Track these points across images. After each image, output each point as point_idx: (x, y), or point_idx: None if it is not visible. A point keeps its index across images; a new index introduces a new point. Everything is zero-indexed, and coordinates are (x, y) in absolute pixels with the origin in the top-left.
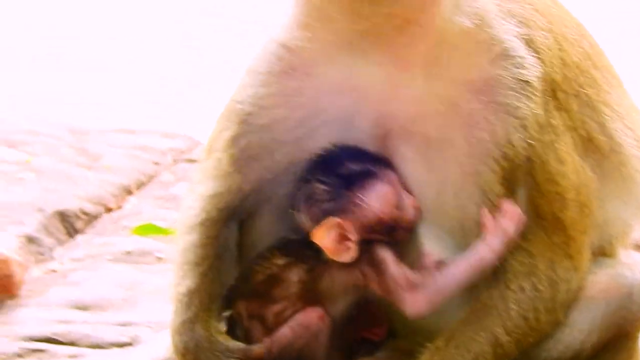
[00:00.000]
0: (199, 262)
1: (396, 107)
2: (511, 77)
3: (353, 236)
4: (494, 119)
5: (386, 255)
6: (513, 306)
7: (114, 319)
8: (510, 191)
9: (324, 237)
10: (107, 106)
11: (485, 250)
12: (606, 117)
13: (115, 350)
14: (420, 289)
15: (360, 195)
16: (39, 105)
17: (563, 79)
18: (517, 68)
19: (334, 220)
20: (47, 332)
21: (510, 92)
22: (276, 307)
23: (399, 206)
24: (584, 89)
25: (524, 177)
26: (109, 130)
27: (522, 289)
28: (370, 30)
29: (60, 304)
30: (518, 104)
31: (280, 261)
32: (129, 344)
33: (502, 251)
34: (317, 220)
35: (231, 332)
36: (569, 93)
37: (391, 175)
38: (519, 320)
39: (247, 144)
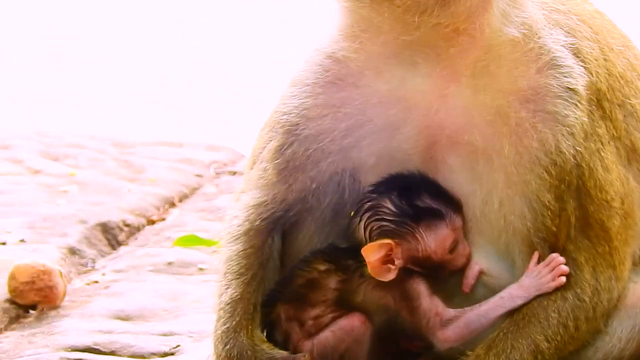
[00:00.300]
0: (242, 271)
1: (443, 118)
2: (559, 85)
3: (398, 262)
4: (543, 127)
5: (421, 289)
6: (553, 314)
7: (155, 329)
8: (559, 199)
9: (373, 253)
10: (151, 119)
11: (519, 292)
12: None
13: (157, 359)
14: (450, 325)
15: (422, 232)
16: (84, 119)
17: (608, 88)
18: (565, 77)
19: (388, 242)
20: (88, 342)
21: (558, 101)
22: (314, 312)
23: (452, 251)
24: (628, 99)
25: (573, 185)
26: (153, 143)
27: (565, 298)
28: (418, 40)
29: (102, 315)
30: (566, 112)
31: (322, 266)
32: (171, 354)
33: (533, 296)
34: (372, 234)
35: (270, 336)
36: (613, 103)
37: (457, 221)
38: (559, 328)
39: (292, 154)
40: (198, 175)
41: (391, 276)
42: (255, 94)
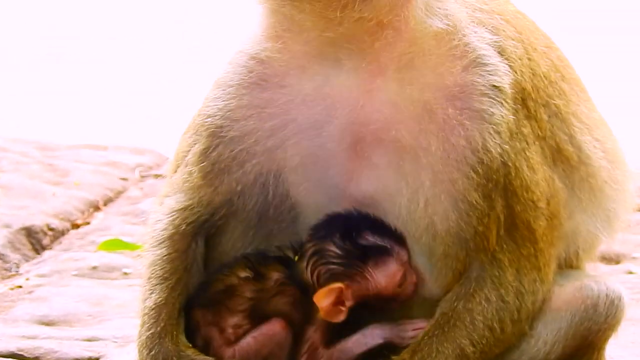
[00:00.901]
0: (167, 276)
1: (369, 113)
2: (485, 83)
3: (349, 302)
4: (470, 125)
5: (321, 320)
6: (479, 317)
7: (80, 334)
8: (487, 198)
9: (324, 298)
10: (75, 122)
11: (380, 332)
12: (575, 128)
13: None
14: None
15: (371, 271)
16: (7, 122)
17: (533, 88)
18: (491, 75)
19: (339, 285)
20: (12, 347)
21: (485, 99)
22: (233, 319)
23: (401, 284)
24: (553, 99)
25: (500, 184)
26: (77, 146)
27: (489, 300)
28: (342, 36)
29: (26, 320)
30: (492, 110)
31: (242, 273)
32: (95, 359)
33: (390, 339)
34: (319, 279)
35: (191, 341)
36: (538, 103)
37: (404, 254)
38: (485, 331)
39: (218, 156)
40: (123, 179)
41: (341, 317)
42: (180, 96)
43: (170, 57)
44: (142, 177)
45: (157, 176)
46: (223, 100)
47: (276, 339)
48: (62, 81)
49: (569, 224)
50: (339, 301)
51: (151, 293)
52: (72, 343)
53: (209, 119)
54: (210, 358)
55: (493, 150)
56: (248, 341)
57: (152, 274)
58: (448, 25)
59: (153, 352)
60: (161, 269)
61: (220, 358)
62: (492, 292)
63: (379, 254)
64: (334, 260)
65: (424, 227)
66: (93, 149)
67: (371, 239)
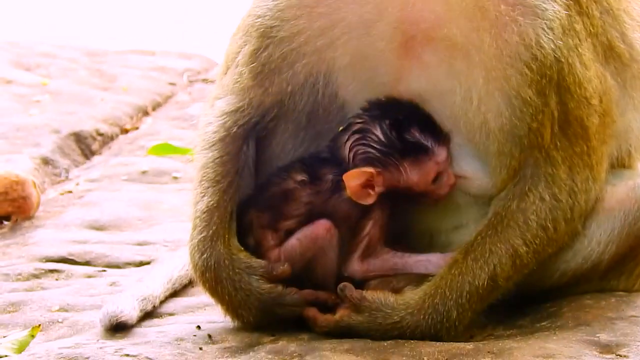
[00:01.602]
0: (219, 179)
1: (420, 12)
2: None
3: (378, 188)
4: (523, 21)
5: (379, 215)
6: (532, 216)
7: (130, 238)
8: (541, 94)
9: (354, 179)
10: (124, 27)
11: (442, 262)
12: (627, 25)
13: (132, 269)
14: (373, 259)
15: (406, 166)
16: (55, 28)
17: None
18: None
19: (371, 171)
20: (63, 252)
21: None
22: (286, 223)
23: (435, 182)
24: None
25: (554, 80)
26: (125, 51)
27: (542, 199)
28: None
29: (76, 225)
30: (545, 6)
31: (298, 176)
32: (146, 263)
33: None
34: (355, 158)
35: (242, 241)
36: None
37: (443, 154)
38: (538, 231)
39: (268, 57)
40: (171, 84)
41: (370, 200)
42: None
43: None
44: (190, 81)
45: (205, 80)
46: (272, 0)
47: (320, 242)
48: (78, 2)
49: (621, 121)
50: (368, 184)
51: (203, 196)
52: (123, 247)
53: (259, 20)
54: (262, 261)
55: (546, 46)
56: (292, 243)
57: (204, 177)
58: None
59: (205, 256)
60: (213, 171)
61: (268, 259)
62: (546, 191)
63: (418, 152)
64: (374, 145)
65: (477, 125)
66: (141, 54)
67: (416, 134)
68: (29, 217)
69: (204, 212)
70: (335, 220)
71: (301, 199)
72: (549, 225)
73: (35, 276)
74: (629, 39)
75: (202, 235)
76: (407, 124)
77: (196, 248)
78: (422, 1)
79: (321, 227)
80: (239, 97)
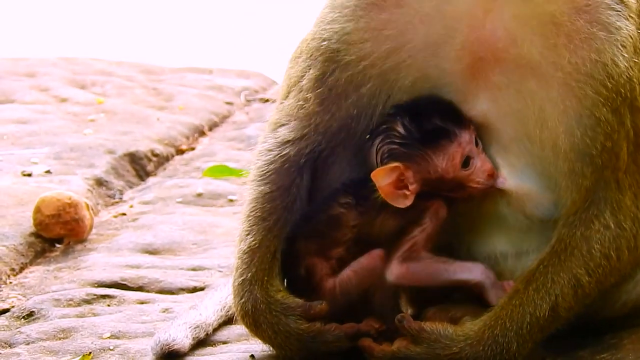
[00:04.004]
0: (265, 216)
1: (491, 33)
2: None
3: (412, 186)
4: (600, 38)
5: (429, 221)
6: (596, 245)
7: (184, 263)
8: (616, 113)
9: (383, 178)
10: (181, 44)
11: (477, 275)
12: None
13: (186, 295)
14: (413, 264)
15: (430, 152)
16: (112, 44)
17: None
18: None
19: (397, 165)
20: (116, 277)
21: (611, 12)
22: (336, 250)
23: (467, 167)
24: None
25: (628, 99)
26: (182, 69)
27: (607, 227)
28: None
29: (130, 248)
30: (619, 24)
31: (342, 200)
32: (200, 289)
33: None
34: (382, 159)
35: (292, 271)
36: None
37: (466, 136)
38: (602, 260)
39: (334, 81)
40: (228, 103)
41: (407, 202)
42: (285, 18)
43: None
44: (248, 101)
45: (263, 100)
46: (339, 23)
47: (377, 272)
48: (168, 3)
49: None
50: (401, 184)
51: (247, 234)
52: (177, 272)
53: (325, 43)
54: (300, 300)
55: (621, 65)
56: (348, 274)
57: (251, 212)
58: None
59: (243, 300)
60: (261, 207)
61: (322, 288)
62: (611, 218)
63: (438, 137)
64: (397, 141)
65: (548, 145)
66: (198, 72)
67: (436, 121)
68: (82, 240)
69: (245, 253)
70: (385, 242)
71: (348, 222)
72: (613, 254)
73: (87, 302)
74: None
75: (242, 278)
76: (427, 114)
77: (236, 292)
78: (493, 21)
79: (377, 257)
80: (304, 123)
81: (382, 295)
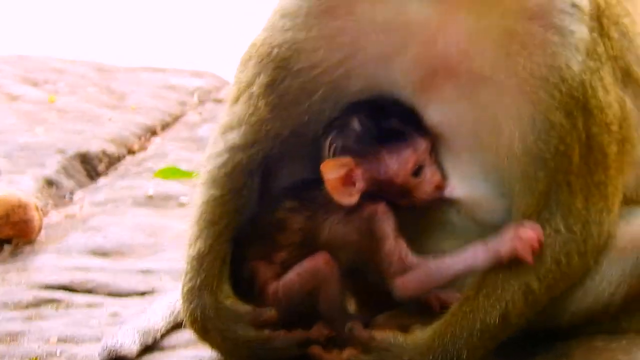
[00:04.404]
0: (215, 220)
1: (444, 47)
2: (565, 1)
3: (359, 184)
4: (554, 42)
5: (387, 228)
6: (546, 250)
7: (134, 266)
8: (570, 116)
9: (332, 171)
10: (135, 43)
11: (485, 255)
12: None
13: (135, 299)
14: (411, 272)
15: (384, 152)
16: (64, 43)
17: (606, 4)
18: None
19: (349, 159)
20: (64, 279)
21: (566, 16)
22: (281, 254)
23: (417, 175)
24: (621, 18)
25: (580, 103)
26: (136, 68)
27: (557, 231)
28: None
29: (79, 250)
30: (573, 28)
31: (289, 204)
32: (150, 293)
33: (493, 260)
34: (334, 153)
35: (238, 275)
36: (610, 20)
37: (422, 144)
38: (552, 265)
39: (286, 88)
40: (181, 103)
41: (352, 200)
42: (239, 18)
43: None
44: (201, 101)
45: (216, 100)
46: (291, 31)
47: (320, 275)
48: (121, 1)
49: (638, 149)
50: (349, 180)
51: (196, 239)
52: (126, 275)
53: (275, 50)
54: (248, 307)
55: (575, 68)
56: (291, 277)
57: (201, 216)
58: None
59: (192, 306)
60: (211, 211)
61: (266, 293)
62: (561, 222)
63: (395, 138)
64: (352, 136)
65: (501, 152)
66: (151, 71)
67: (394, 123)
68: (31, 242)
69: (194, 258)
70: (332, 247)
71: (293, 226)
72: (563, 259)
73: (35, 305)
74: None
75: (191, 284)
76: (385, 114)
77: (185, 297)
78: (446, 36)
79: (320, 260)
80: (254, 129)
81: (328, 299)
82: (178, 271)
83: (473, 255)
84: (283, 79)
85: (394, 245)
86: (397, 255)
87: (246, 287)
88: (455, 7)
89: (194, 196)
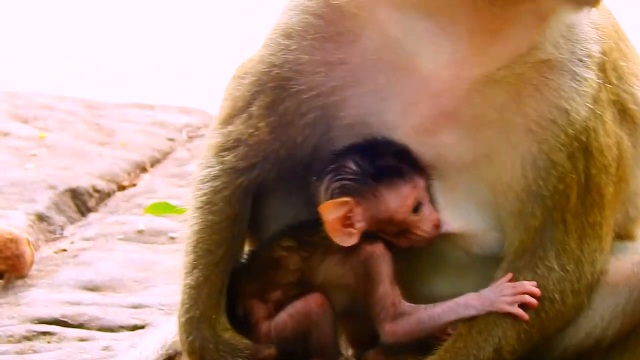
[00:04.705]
0: (212, 248)
1: (453, 94)
2: (580, 48)
3: (359, 224)
4: (567, 88)
5: (384, 272)
6: (540, 289)
7: (125, 300)
8: (571, 157)
9: (331, 212)
10: (123, 80)
11: (475, 302)
12: (636, 87)
13: (126, 333)
14: (401, 319)
15: (383, 190)
16: (54, 80)
17: (608, 51)
18: (584, 42)
19: (348, 200)
20: (56, 314)
21: (581, 64)
22: (275, 293)
23: (417, 212)
24: (618, 62)
25: (583, 145)
26: (124, 104)
27: (551, 269)
28: (440, 13)
29: (70, 285)
30: (584, 74)
31: (285, 243)
32: (141, 327)
33: (486, 311)
34: (332, 195)
35: (232, 310)
36: (610, 66)
37: (420, 182)
38: (545, 303)
39: (285, 109)
40: (170, 139)
41: (352, 240)
42: (227, 55)
43: (142, 16)
44: (190, 137)
45: (204, 137)
46: (294, 53)
47: (313, 317)
48: (109, 38)
49: (632, 184)
50: (348, 222)
51: (193, 268)
52: (117, 310)
53: (275, 69)
54: (248, 342)
55: (582, 113)
56: (283, 318)
57: (198, 244)
58: None
59: (190, 338)
60: (208, 238)
61: (258, 331)
62: (555, 260)
63: (393, 175)
64: (348, 177)
65: (499, 189)
66: (140, 108)
67: (390, 160)
68: (22, 276)
69: (192, 288)
70: (328, 288)
71: (289, 266)
72: (557, 297)
73: (27, 338)
74: (638, 99)
75: (189, 315)
76: (380, 153)
77: (183, 328)
78: (456, 85)
79: (313, 302)
80: (255, 151)
81: (321, 340)
82: (169, 305)
83: (465, 306)
84: (283, 99)
85: (388, 290)
86: (390, 301)
87: (239, 324)
88: (470, 60)
89: (187, 222)
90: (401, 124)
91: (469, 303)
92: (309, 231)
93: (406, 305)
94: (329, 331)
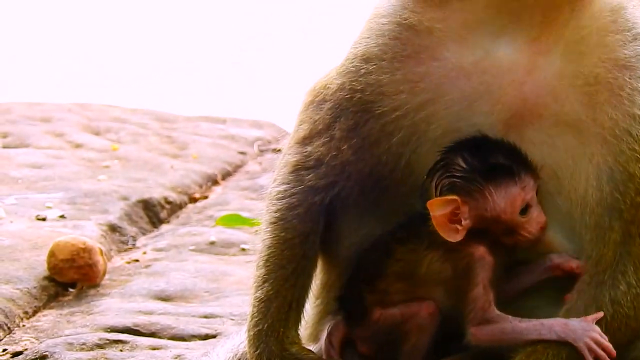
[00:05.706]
0: (284, 264)
1: (530, 90)
2: None
3: (466, 221)
4: (636, 92)
5: (483, 275)
6: (617, 307)
7: (196, 310)
8: None
9: (438, 208)
10: (195, 94)
11: (559, 329)
12: None
13: (198, 342)
14: (487, 325)
15: (491, 189)
16: (127, 93)
17: None
18: None
19: (455, 198)
20: (128, 322)
21: None
22: (382, 283)
23: (524, 214)
24: None
25: None
26: (196, 118)
27: (630, 285)
28: (513, 8)
29: (143, 295)
30: None
31: (399, 234)
32: (212, 336)
33: (564, 340)
34: (441, 192)
35: (343, 299)
36: None
37: (530, 182)
38: (622, 319)
39: (368, 130)
40: (241, 153)
41: (458, 237)
42: (298, 70)
43: (215, 32)
44: (261, 151)
45: (276, 150)
46: (375, 75)
47: (419, 320)
48: (182, 52)
49: None
50: (455, 218)
51: (264, 282)
52: (189, 319)
53: (358, 94)
54: (316, 355)
55: None
56: (394, 312)
57: (270, 259)
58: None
59: (258, 352)
60: (280, 254)
61: (369, 315)
62: (633, 276)
63: (502, 174)
64: (457, 174)
65: (575, 199)
66: (211, 121)
67: (500, 158)
68: (95, 285)
69: (262, 301)
70: (428, 283)
71: (396, 255)
72: (632, 313)
73: (100, 346)
74: None
75: (257, 328)
76: (490, 150)
77: (251, 342)
78: (535, 79)
79: (425, 307)
80: (336, 171)
81: (418, 343)
82: (240, 316)
83: (549, 329)
84: (366, 121)
85: (481, 293)
86: (480, 305)
87: (350, 307)
88: (546, 50)
89: (258, 240)
90: (489, 125)
91: (554, 328)
92: (419, 224)
93: (495, 312)
94: (426, 341)
